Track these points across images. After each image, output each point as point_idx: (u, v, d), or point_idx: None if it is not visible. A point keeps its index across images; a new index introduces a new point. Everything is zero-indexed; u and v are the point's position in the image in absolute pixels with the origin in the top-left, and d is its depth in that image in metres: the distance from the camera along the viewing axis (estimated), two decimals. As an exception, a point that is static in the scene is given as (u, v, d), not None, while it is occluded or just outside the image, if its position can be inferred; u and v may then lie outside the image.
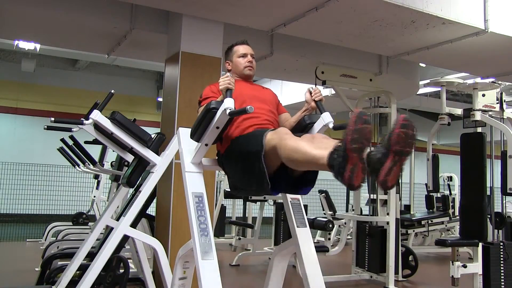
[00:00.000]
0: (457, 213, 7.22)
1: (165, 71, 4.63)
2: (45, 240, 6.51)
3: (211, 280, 1.88)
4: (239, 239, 6.77)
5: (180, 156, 2.18)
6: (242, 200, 7.37)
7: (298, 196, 2.35)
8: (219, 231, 7.62)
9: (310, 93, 2.27)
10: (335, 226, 6.76)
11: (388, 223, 4.87)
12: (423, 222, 7.09)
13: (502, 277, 3.71)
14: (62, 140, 5.10)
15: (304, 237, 2.21)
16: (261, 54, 5.14)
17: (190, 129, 2.14)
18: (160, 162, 2.98)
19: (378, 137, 5.58)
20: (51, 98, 11.09)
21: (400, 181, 5.39)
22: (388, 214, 4.95)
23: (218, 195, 7.01)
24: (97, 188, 6.64)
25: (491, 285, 3.69)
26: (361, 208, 5.58)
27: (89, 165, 4.93)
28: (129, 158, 3.37)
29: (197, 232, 1.96)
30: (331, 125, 2.18)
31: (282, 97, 7.39)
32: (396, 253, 4.89)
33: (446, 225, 7.34)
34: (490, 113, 4.46)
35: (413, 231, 6.96)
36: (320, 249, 5.06)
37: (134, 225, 3.39)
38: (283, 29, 4.46)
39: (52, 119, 3.02)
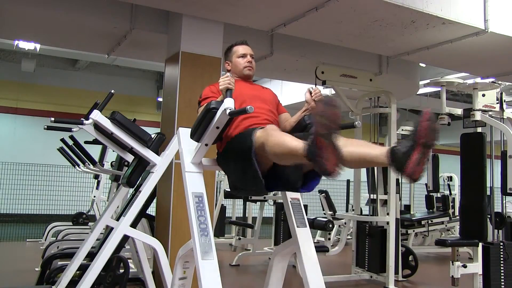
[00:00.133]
0: (457, 213, 7.22)
1: (165, 71, 4.63)
2: (45, 240, 6.51)
3: (211, 280, 1.88)
4: (239, 239, 6.77)
5: (180, 156, 2.18)
6: (242, 200, 7.37)
7: (298, 196, 2.35)
8: (219, 231, 7.62)
9: (310, 93, 2.27)
10: (335, 226, 6.76)
11: (388, 223, 4.87)
12: (423, 222, 7.09)
13: (502, 277, 3.71)
14: (62, 140, 5.10)
15: (304, 237, 2.21)
16: (261, 54, 5.14)
17: (190, 129, 2.14)
18: (160, 162, 2.98)
19: (378, 137, 5.57)
20: (51, 98, 11.09)
21: (400, 181, 5.39)
22: (388, 214, 4.95)
23: (218, 195, 7.01)
24: (97, 188, 6.63)
25: (491, 285, 3.68)
26: (361, 208, 5.58)
27: (89, 165, 4.94)
28: (129, 158, 3.37)
29: (197, 232, 1.96)
30: (331, 125, 2.17)
31: (282, 97, 7.39)
32: (396, 253, 4.89)
33: (446, 225, 7.34)
34: (490, 113, 4.46)
35: (413, 231, 6.96)
36: (320, 249, 5.06)
37: (134, 225, 3.39)
38: (283, 29, 4.46)
39: (52, 119, 3.02)
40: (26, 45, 7.61)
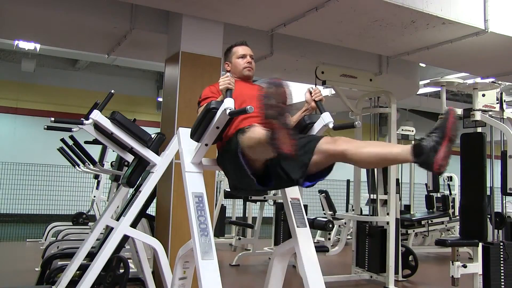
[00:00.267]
0: (457, 213, 7.22)
1: (165, 71, 4.63)
2: (45, 240, 6.51)
3: (211, 280, 1.88)
4: (239, 239, 6.77)
5: (180, 156, 2.18)
6: (242, 200, 7.37)
7: (298, 196, 2.35)
8: (219, 231, 7.62)
9: (310, 93, 2.27)
10: (335, 226, 6.75)
11: (388, 223, 4.87)
12: (423, 222, 7.09)
13: (502, 277, 3.71)
14: (62, 140, 5.11)
15: (304, 237, 2.20)
16: (261, 54, 5.14)
17: (190, 129, 2.14)
18: (160, 162, 2.98)
19: (378, 137, 5.57)
20: (51, 98, 11.09)
21: (400, 181, 5.39)
22: (388, 214, 4.95)
23: (218, 195, 7.01)
24: (97, 188, 6.64)
25: (491, 285, 3.68)
26: (361, 208, 5.58)
27: (89, 165, 4.94)
28: (129, 158, 3.37)
29: (197, 232, 1.96)
30: (331, 125, 2.18)
31: (282, 97, 7.36)
32: (396, 253, 4.89)
33: (446, 225, 7.34)
34: (490, 113, 4.46)
35: (413, 231, 6.96)
36: (320, 249, 5.06)
37: (134, 225, 3.39)
38: (283, 29, 4.46)
39: (52, 119, 3.02)
40: (26, 45, 7.61)
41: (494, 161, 4.56)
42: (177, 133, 2.30)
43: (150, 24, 4.54)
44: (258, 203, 6.54)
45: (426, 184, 7.57)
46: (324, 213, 7.51)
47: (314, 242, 2.28)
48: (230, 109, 1.87)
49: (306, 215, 2.33)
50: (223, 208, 7.69)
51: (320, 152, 1.92)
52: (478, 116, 4.29)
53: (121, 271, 3.29)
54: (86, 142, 4.38)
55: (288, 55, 5.30)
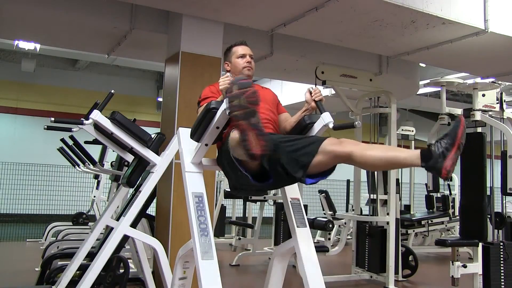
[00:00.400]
0: (457, 213, 7.22)
1: (165, 71, 4.63)
2: (45, 240, 6.51)
3: (211, 280, 1.88)
4: (239, 239, 6.77)
5: (180, 156, 2.18)
6: (242, 200, 7.37)
7: (298, 196, 2.35)
8: (219, 231, 7.62)
9: (310, 93, 2.27)
10: (335, 226, 6.75)
11: (388, 223, 4.87)
12: (423, 222, 7.09)
13: (502, 277, 3.71)
14: (62, 140, 5.11)
15: (304, 237, 2.20)
16: (261, 54, 5.14)
17: (190, 129, 2.14)
18: (160, 162, 2.98)
19: (378, 137, 5.57)
20: (51, 98, 11.09)
21: (400, 181, 5.39)
22: (388, 214, 4.95)
23: (218, 195, 7.01)
24: (97, 188, 6.64)
25: (491, 285, 3.68)
26: (361, 208, 5.58)
27: (89, 165, 4.94)
28: (129, 158, 3.37)
29: (197, 232, 1.96)
30: (331, 125, 2.18)
31: (282, 97, 7.38)
32: (396, 253, 4.89)
33: (446, 225, 7.34)
34: (490, 113, 4.46)
35: (413, 231, 6.96)
36: (320, 249, 5.06)
37: (134, 225, 3.39)
38: (283, 29, 4.46)
39: (52, 119, 3.02)
40: (26, 45, 7.61)
41: (494, 161, 4.56)
42: (177, 133, 2.30)
43: (150, 24, 4.55)
44: (258, 203, 6.54)
45: (426, 184, 7.55)
46: (324, 213, 7.51)
47: (314, 242, 2.27)
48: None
49: (306, 215, 2.33)
50: (223, 208, 7.69)
51: (325, 153, 1.93)
52: (478, 116, 4.29)
53: (121, 271, 3.29)
54: (86, 142, 4.38)
55: (288, 55, 5.31)
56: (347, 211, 9.06)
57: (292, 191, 2.31)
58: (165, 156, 2.97)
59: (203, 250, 1.92)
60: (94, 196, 6.67)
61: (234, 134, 1.80)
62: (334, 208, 7.40)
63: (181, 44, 4.22)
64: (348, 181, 9.63)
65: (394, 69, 5.87)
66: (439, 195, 7.66)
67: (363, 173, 5.57)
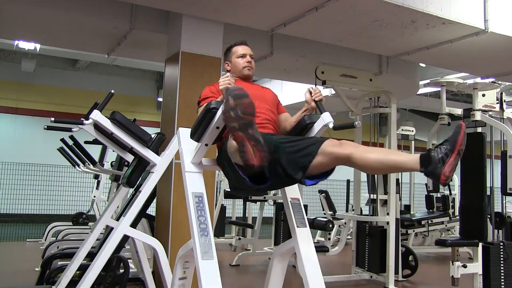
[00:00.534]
0: (457, 213, 7.22)
1: (165, 71, 4.63)
2: (45, 240, 6.51)
3: (211, 280, 1.88)
4: (239, 239, 6.77)
5: (180, 156, 2.18)
6: (242, 200, 7.37)
7: (298, 196, 2.35)
8: (219, 231, 7.62)
9: (310, 93, 2.26)
10: (335, 226, 6.75)
11: (388, 223, 4.87)
12: (423, 222, 7.09)
13: (502, 277, 3.71)
14: (62, 140, 5.10)
15: (304, 237, 2.20)
16: (261, 54, 5.14)
17: (190, 129, 2.14)
18: (160, 162, 2.98)
19: (378, 137, 5.57)
20: (51, 98, 11.09)
21: (400, 181, 5.39)
22: (388, 214, 4.95)
23: (218, 195, 7.01)
24: (97, 188, 6.63)
25: (491, 285, 3.68)
26: (361, 208, 5.58)
27: (89, 165, 4.93)
28: (129, 158, 3.37)
29: (197, 232, 1.96)
30: (331, 125, 2.17)
31: (282, 97, 7.38)
32: (396, 253, 4.89)
33: (446, 225, 7.34)
34: (490, 113, 4.46)
35: (413, 231, 6.96)
36: (320, 249, 5.06)
37: (134, 225, 3.39)
38: (283, 29, 4.46)
39: (52, 119, 3.02)
40: (26, 45, 7.61)
41: (494, 161, 4.56)
42: (177, 133, 2.30)
43: (150, 24, 4.55)
44: (258, 203, 6.54)
45: (426, 184, 7.54)
46: (324, 213, 7.51)
47: (314, 242, 2.27)
48: (229, 109, 1.87)
49: (306, 215, 2.33)
50: (223, 208, 7.69)
51: (325, 154, 1.93)
52: (478, 116, 4.29)
53: (121, 271, 3.29)
54: (86, 142, 4.38)
55: (288, 55, 5.31)
56: (347, 211, 9.06)
57: (292, 191, 2.31)
58: (165, 156, 2.97)
59: (203, 250, 1.92)
60: (94, 196, 6.66)
61: (233, 141, 1.80)
62: (334, 208, 7.40)
63: (181, 44, 4.22)
64: (348, 181, 9.63)
65: (394, 69, 5.88)
66: (439, 195, 7.66)
67: (363, 173, 5.57)
